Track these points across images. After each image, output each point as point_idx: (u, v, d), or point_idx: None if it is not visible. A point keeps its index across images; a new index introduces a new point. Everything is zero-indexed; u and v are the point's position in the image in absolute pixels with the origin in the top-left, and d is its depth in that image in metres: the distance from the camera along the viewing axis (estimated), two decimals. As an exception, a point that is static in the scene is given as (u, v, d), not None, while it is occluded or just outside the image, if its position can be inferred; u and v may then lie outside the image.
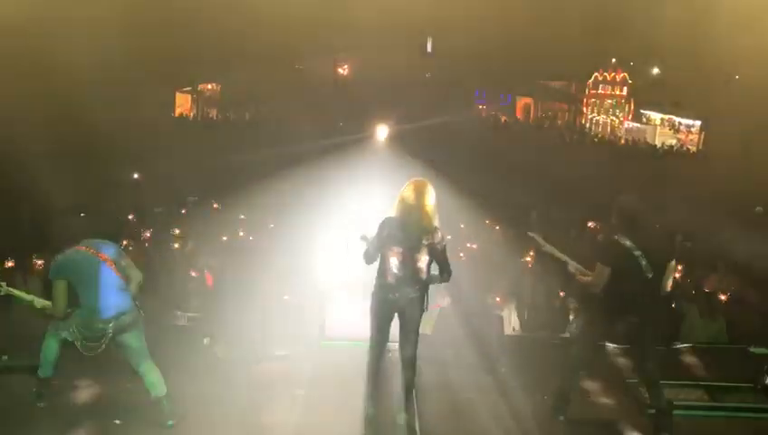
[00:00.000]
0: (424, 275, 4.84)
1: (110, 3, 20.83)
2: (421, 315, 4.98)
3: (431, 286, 4.95)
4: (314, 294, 7.28)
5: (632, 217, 4.91)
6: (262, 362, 6.23)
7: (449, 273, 4.99)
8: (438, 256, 4.87)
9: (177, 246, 9.28)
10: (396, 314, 4.94)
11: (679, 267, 8.33)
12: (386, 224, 4.80)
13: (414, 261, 4.77)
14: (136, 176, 13.78)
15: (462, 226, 11.66)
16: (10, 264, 8.07)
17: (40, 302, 5.08)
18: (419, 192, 4.77)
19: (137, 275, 5.04)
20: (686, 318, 7.59)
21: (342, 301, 6.77)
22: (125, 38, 21.45)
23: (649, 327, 4.96)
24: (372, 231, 4.85)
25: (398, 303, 4.83)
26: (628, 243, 4.81)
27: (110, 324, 4.81)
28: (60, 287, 4.75)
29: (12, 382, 5.48)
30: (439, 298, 8.02)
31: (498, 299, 8.10)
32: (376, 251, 4.82)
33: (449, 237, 5.05)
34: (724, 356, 6.34)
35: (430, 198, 4.79)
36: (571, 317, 7.84)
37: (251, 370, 6.09)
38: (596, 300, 4.94)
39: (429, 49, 43.16)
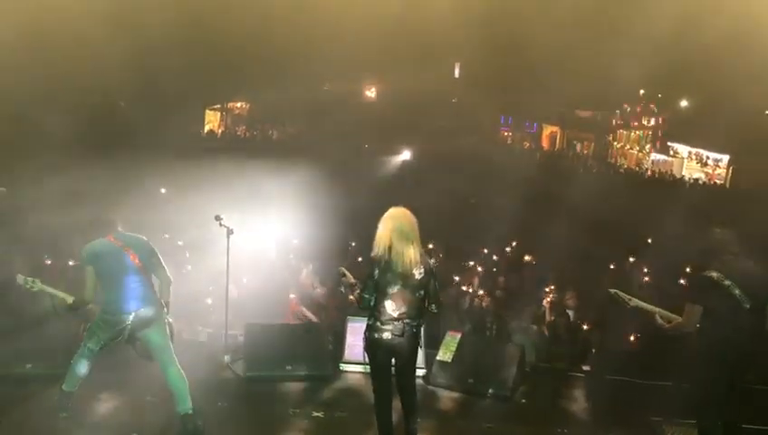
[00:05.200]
0: (419, 311, 4.61)
1: (145, 23, 21.30)
2: (417, 353, 4.80)
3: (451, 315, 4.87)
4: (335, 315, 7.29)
5: (716, 251, 4.72)
6: (281, 381, 6.24)
7: (439, 303, 4.79)
8: (431, 286, 4.64)
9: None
10: (393, 357, 4.67)
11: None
12: (374, 263, 4.53)
13: (409, 298, 4.53)
14: None
15: (485, 250, 11.62)
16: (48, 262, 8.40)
17: (70, 297, 5.17)
18: (403, 223, 4.55)
19: (166, 277, 5.11)
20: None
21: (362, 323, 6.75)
22: (159, 55, 21.89)
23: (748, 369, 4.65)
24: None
25: (395, 343, 4.54)
26: (715, 274, 4.56)
27: (131, 316, 4.89)
28: (87, 273, 4.89)
29: (35, 391, 5.52)
30: (460, 325, 8.01)
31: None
32: (372, 295, 4.54)
33: (435, 263, 4.90)
34: None
35: (414, 226, 4.57)
36: (593, 350, 7.76)
37: (269, 389, 6.10)
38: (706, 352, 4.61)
39: (457, 74, 43.44)
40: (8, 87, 15.24)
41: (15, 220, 9.96)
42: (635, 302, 5.26)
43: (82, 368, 5.07)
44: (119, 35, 19.73)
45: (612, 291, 5.40)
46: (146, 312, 4.96)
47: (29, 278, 5.29)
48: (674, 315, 4.93)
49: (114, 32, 19.50)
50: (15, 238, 8.83)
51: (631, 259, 11.81)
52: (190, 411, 4.95)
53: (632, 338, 7.80)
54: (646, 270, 11.06)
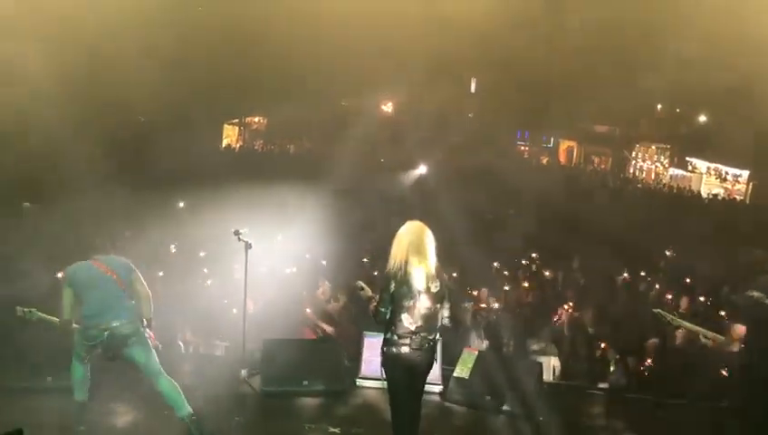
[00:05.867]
0: (435, 325, 4.63)
1: (164, 36, 21.59)
2: (431, 368, 4.77)
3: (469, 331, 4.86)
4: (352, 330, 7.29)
5: (755, 271, 4.78)
6: (297, 396, 6.25)
7: (454, 318, 4.83)
8: (446, 300, 4.68)
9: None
10: (409, 371, 4.62)
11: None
12: (390, 277, 4.55)
13: (425, 312, 4.53)
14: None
15: (497, 266, 11.56)
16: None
17: (57, 320, 5.41)
18: (420, 237, 4.58)
19: (145, 293, 5.28)
20: None
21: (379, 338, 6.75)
22: (178, 70, 22.17)
23: None
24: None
25: (412, 357, 4.54)
26: (756, 294, 4.65)
27: (106, 332, 5.01)
28: (64, 295, 5.16)
29: (55, 404, 5.55)
30: (477, 342, 7.98)
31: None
32: (388, 309, 4.55)
33: (454, 275, 4.95)
34: None
35: (430, 240, 4.61)
36: (611, 368, 7.68)
37: (286, 404, 6.10)
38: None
39: (473, 89, 43.48)
40: (34, 104, 15.50)
41: (38, 235, 10.11)
42: (678, 321, 5.27)
43: (78, 372, 5.20)
44: (141, 53, 20.02)
45: (656, 310, 5.41)
46: (121, 328, 5.05)
47: (26, 309, 5.56)
48: (717, 335, 4.93)
49: (136, 49, 19.80)
50: (37, 252, 8.94)
51: (646, 275, 11.73)
52: (191, 412, 5.04)
53: (650, 359, 7.71)
54: (658, 286, 10.97)
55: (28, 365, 6.06)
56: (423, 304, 4.52)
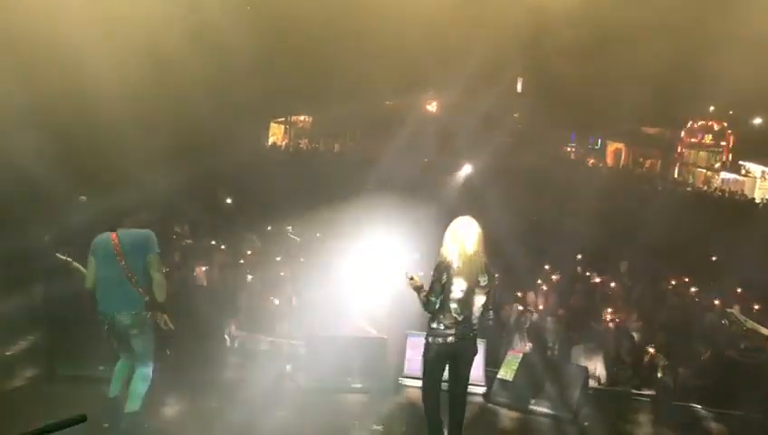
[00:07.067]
0: (478, 317, 4.81)
1: (213, 35, 21.94)
2: (475, 355, 4.88)
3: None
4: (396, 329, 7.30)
5: None
6: (341, 393, 6.30)
7: (494, 311, 4.94)
8: (490, 295, 4.85)
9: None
10: (454, 360, 4.78)
11: None
12: (442, 268, 4.69)
13: (471, 304, 4.71)
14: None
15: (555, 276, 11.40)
16: None
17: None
18: (470, 232, 4.75)
19: (158, 279, 4.98)
20: None
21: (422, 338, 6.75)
22: (228, 69, 22.54)
23: None
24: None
25: (455, 347, 4.68)
26: None
27: (108, 319, 4.88)
28: (89, 261, 5.01)
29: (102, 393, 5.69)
30: (520, 345, 7.92)
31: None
32: (438, 299, 4.67)
33: (497, 275, 5.03)
34: None
35: (480, 235, 4.77)
36: (659, 375, 7.53)
37: (330, 400, 6.15)
38: None
39: (519, 89, 43.04)
40: (92, 100, 15.92)
41: (89, 229, 10.34)
42: (751, 323, 5.25)
43: (117, 365, 5.13)
44: (192, 52, 20.41)
45: (729, 310, 5.37)
46: (122, 319, 4.88)
47: (66, 257, 5.43)
48: None
49: (189, 48, 20.20)
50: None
51: (695, 280, 11.45)
52: (135, 411, 4.86)
53: (700, 366, 7.53)
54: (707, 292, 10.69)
55: (86, 355, 6.20)
56: (471, 295, 4.68)
